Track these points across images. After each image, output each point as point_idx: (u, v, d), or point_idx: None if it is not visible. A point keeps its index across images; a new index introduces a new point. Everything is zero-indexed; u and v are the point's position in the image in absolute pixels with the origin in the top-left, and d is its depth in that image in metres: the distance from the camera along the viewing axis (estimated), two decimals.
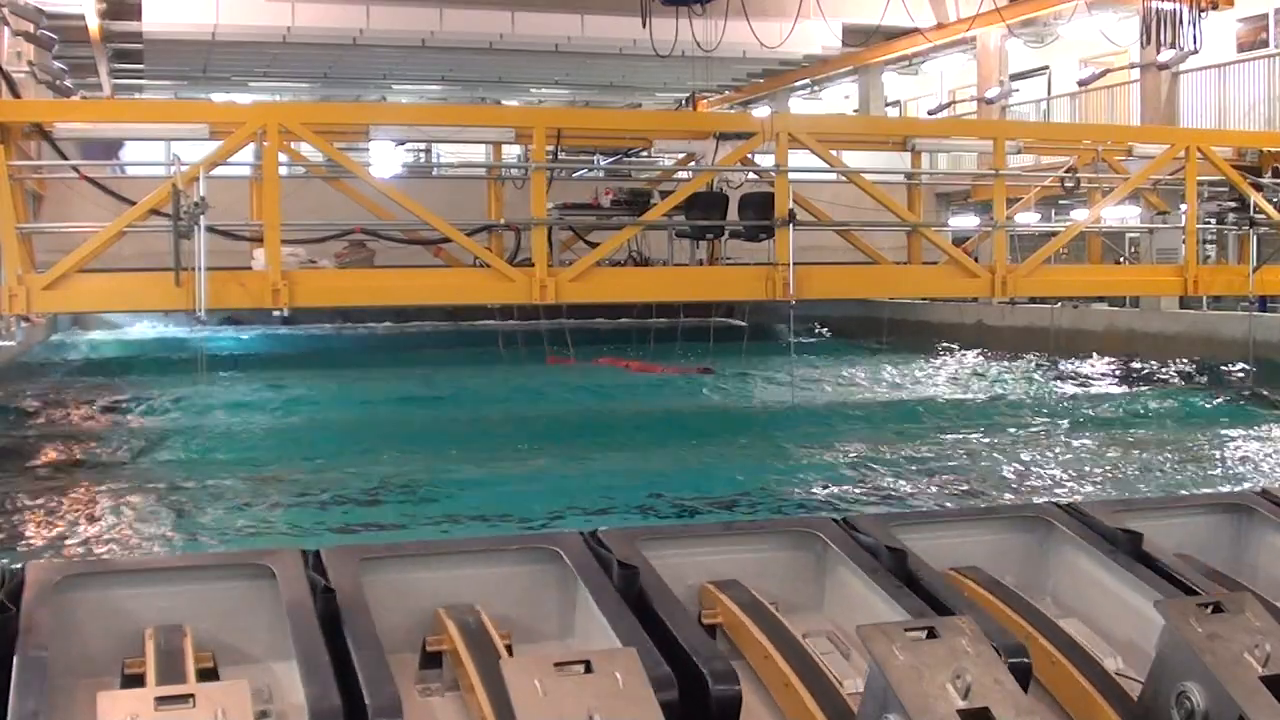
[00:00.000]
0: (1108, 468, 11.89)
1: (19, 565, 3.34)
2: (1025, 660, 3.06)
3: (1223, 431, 13.76)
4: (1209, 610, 2.97)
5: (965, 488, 11.06)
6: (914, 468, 11.90)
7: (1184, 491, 9.71)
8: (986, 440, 13.59)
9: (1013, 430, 14.16)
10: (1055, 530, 3.98)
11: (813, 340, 25.10)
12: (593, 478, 11.31)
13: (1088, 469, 11.83)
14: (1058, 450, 12.90)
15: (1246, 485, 9.87)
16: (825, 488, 10.92)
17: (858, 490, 10.82)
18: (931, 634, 2.81)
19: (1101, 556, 3.76)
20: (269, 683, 3.17)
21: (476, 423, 14.78)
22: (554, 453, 12.74)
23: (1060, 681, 3.22)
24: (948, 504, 10.14)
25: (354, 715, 2.82)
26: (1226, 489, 9.88)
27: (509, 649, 3.24)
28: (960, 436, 13.84)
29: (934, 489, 10.96)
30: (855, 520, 3.91)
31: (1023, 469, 11.92)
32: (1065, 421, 14.70)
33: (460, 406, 16.70)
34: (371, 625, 3.13)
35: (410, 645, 3.34)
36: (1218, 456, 12.41)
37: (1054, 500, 4.47)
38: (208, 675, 3.09)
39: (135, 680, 3.06)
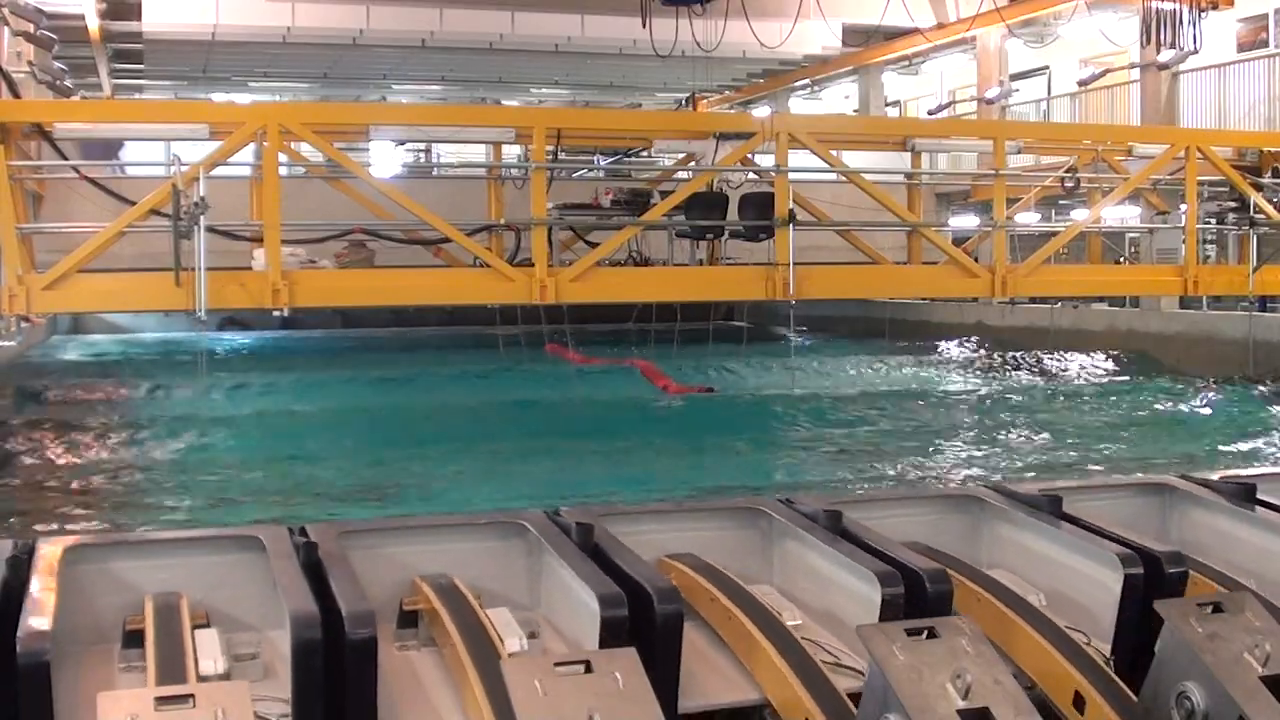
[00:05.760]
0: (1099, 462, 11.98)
1: (30, 540, 3.59)
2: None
3: (1221, 429, 13.77)
4: (1209, 610, 2.97)
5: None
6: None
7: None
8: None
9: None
10: (987, 505, 4.36)
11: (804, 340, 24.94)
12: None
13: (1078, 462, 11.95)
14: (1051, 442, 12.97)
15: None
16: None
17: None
18: (931, 634, 2.82)
19: (1024, 519, 4.16)
20: (259, 638, 3.45)
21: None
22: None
23: (986, 612, 3.64)
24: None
25: (333, 645, 3.00)
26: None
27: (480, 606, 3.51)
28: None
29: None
30: (798, 499, 4.23)
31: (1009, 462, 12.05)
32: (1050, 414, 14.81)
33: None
34: (353, 573, 3.38)
35: (388, 611, 3.58)
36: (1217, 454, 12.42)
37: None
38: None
39: (135, 637, 3.29)
